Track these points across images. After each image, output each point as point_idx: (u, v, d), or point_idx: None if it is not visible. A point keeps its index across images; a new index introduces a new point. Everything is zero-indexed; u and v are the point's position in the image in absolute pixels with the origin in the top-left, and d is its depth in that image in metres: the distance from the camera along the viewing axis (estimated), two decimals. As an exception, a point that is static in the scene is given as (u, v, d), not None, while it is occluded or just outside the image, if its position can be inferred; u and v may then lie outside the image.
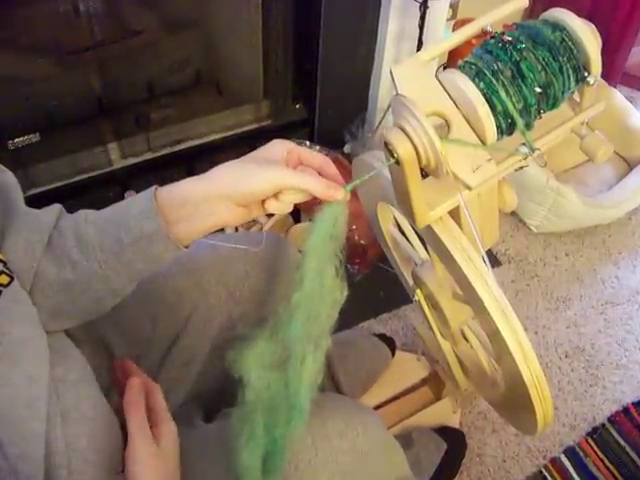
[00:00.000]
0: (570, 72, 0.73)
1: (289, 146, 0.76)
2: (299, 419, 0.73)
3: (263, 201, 0.75)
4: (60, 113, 1.65)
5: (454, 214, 0.84)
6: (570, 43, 0.72)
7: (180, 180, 0.75)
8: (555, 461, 1.48)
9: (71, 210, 0.80)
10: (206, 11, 1.77)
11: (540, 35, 0.72)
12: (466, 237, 0.83)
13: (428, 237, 0.88)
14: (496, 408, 1.16)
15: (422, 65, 0.77)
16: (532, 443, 1.51)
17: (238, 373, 0.74)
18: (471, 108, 0.72)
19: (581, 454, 1.49)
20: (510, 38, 0.73)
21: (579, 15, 0.74)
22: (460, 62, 0.76)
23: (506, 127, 0.74)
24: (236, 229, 1.70)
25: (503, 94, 0.71)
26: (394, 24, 1.77)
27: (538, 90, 0.72)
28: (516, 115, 0.72)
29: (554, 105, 0.76)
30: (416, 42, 1.75)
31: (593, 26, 0.74)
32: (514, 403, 0.96)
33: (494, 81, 0.71)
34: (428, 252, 1.07)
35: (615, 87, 2.16)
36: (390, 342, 1.55)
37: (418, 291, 1.13)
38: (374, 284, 1.77)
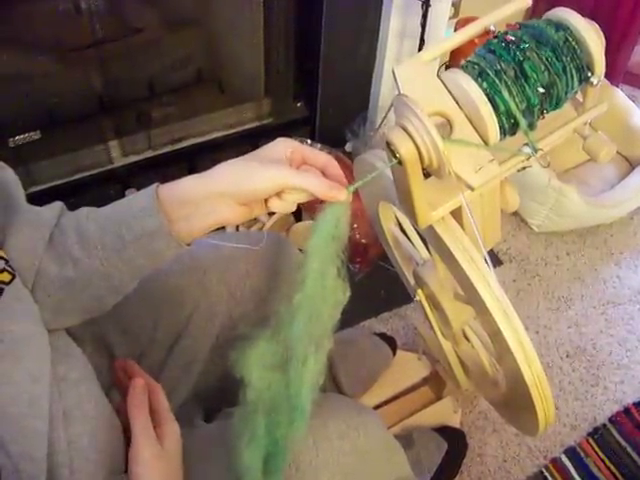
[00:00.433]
0: (573, 72, 0.73)
1: (293, 145, 0.76)
2: (301, 420, 0.72)
3: (266, 200, 0.75)
4: (61, 111, 1.65)
5: (456, 214, 0.84)
6: (574, 43, 0.72)
7: (181, 178, 0.75)
8: (556, 461, 1.48)
9: (72, 208, 0.80)
10: (208, 9, 1.77)
11: (543, 35, 0.72)
12: (468, 237, 0.82)
13: (430, 237, 0.88)
14: (497, 408, 1.16)
15: (424, 65, 0.77)
16: (533, 443, 1.51)
17: (239, 373, 0.74)
18: (474, 108, 0.72)
19: (582, 454, 1.49)
20: (513, 38, 0.73)
21: (581, 14, 0.73)
22: (463, 62, 0.75)
23: (509, 127, 0.73)
24: (237, 228, 1.70)
25: (506, 94, 0.71)
26: (396, 22, 1.77)
27: (541, 90, 0.72)
28: (519, 115, 0.72)
29: (557, 105, 0.76)
30: (418, 40, 1.75)
31: (597, 26, 0.73)
32: (515, 403, 0.96)
33: (497, 81, 0.71)
34: (429, 252, 1.07)
35: (617, 86, 2.16)
36: (391, 341, 1.55)
37: (419, 291, 1.13)
38: (375, 283, 1.76)
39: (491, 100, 0.72)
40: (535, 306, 1.78)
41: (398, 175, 0.76)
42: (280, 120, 1.95)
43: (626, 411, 1.57)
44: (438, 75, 0.76)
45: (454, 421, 1.49)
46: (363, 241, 1.72)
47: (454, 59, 1.98)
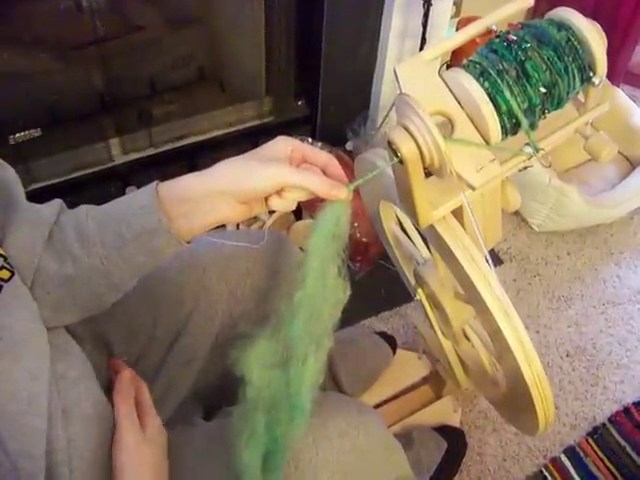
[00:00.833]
0: (575, 72, 0.73)
1: (293, 143, 0.76)
2: (300, 418, 0.72)
3: (266, 198, 0.75)
4: (62, 108, 1.65)
5: (457, 213, 0.84)
6: (575, 43, 0.72)
7: (181, 176, 0.75)
8: (555, 461, 1.48)
9: (72, 206, 0.80)
10: (209, 7, 1.77)
11: (545, 34, 0.72)
12: (469, 237, 0.82)
13: (430, 236, 0.88)
14: (497, 408, 1.16)
15: (426, 64, 0.77)
16: (532, 442, 1.51)
17: (239, 371, 0.74)
18: (475, 108, 0.72)
19: (581, 454, 1.49)
20: (515, 37, 0.72)
21: (583, 14, 0.73)
22: (464, 61, 0.75)
23: (510, 127, 0.73)
24: (237, 226, 1.70)
25: (508, 94, 0.71)
26: (397, 21, 1.76)
27: (543, 90, 0.72)
28: (520, 115, 0.72)
29: (559, 105, 0.76)
30: (419, 40, 1.74)
31: (599, 26, 0.73)
32: (515, 403, 0.96)
33: (499, 81, 0.71)
34: (430, 251, 1.07)
35: (618, 86, 2.16)
36: (391, 340, 1.55)
37: (420, 290, 1.13)
38: (375, 282, 1.77)
39: (493, 100, 0.71)
40: (535, 305, 1.78)
41: (399, 174, 0.76)
42: (281, 119, 1.95)
43: (626, 411, 1.57)
44: (439, 74, 0.75)
45: (454, 420, 1.49)
46: (364, 240, 1.72)
47: (455, 58, 1.98)
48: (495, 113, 0.71)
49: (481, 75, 0.72)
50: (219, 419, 0.96)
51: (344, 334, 1.54)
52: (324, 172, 0.75)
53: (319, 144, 1.82)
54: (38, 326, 0.75)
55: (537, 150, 0.75)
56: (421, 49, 1.76)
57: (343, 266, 0.73)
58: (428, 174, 0.76)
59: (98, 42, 1.57)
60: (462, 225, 0.84)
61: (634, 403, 1.58)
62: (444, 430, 1.43)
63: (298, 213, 1.83)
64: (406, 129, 0.67)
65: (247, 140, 1.87)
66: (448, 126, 0.74)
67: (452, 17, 1.90)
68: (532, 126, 0.75)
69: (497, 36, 0.75)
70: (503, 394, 1.03)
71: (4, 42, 1.49)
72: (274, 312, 0.74)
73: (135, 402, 0.83)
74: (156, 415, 0.84)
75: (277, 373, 0.74)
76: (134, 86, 1.74)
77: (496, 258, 1.88)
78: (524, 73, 0.71)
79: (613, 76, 2.19)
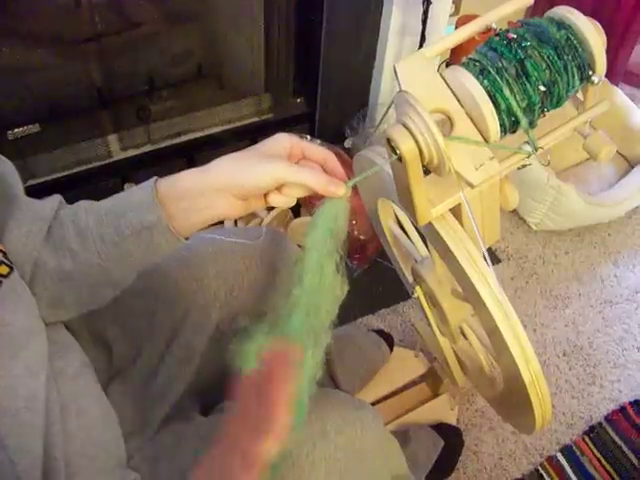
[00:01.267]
0: (575, 71, 0.73)
1: (292, 140, 0.76)
2: (299, 415, 0.72)
3: (266, 195, 0.75)
4: (60, 104, 1.65)
5: (455, 211, 0.84)
6: (575, 42, 0.72)
7: (180, 172, 0.75)
8: (552, 459, 1.48)
9: (70, 201, 0.80)
10: (208, 4, 1.77)
11: (545, 33, 0.72)
12: (467, 235, 0.82)
13: (429, 234, 0.88)
14: (494, 406, 1.16)
15: (425, 61, 0.77)
16: (529, 441, 1.51)
17: (238, 367, 0.74)
18: (475, 106, 0.72)
19: (578, 452, 1.49)
20: (515, 36, 0.72)
21: (582, 13, 0.73)
22: (464, 59, 0.75)
23: (509, 125, 0.73)
24: (235, 223, 1.70)
25: (507, 92, 0.71)
26: (397, 19, 1.77)
27: (542, 88, 0.72)
28: (520, 113, 0.72)
29: (558, 104, 0.76)
30: (418, 38, 1.74)
31: (598, 24, 0.73)
32: (512, 401, 0.96)
33: (498, 79, 0.71)
34: (428, 249, 1.07)
35: (617, 85, 2.16)
36: (388, 338, 1.55)
37: (417, 288, 1.13)
38: (373, 279, 1.77)
39: (492, 98, 0.71)
40: (533, 304, 1.78)
41: (398, 172, 0.76)
42: (280, 116, 1.95)
43: (622, 410, 1.57)
44: (439, 72, 0.75)
45: (451, 418, 1.49)
46: (361, 237, 1.72)
47: (455, 56, 1.98)
48: (494, 111, 0.72)
49: (481, 73, 0.72)
50: (216, 414, 0.96)
51: (341, 331, 1.55)
52: (323, 168, 0.75)
53: (318, 141, 1.82)
54: (37, 322, 0.75)
55: (536, 148, 0.75)
56: (420, 47, 1.76)
57: (341, 263, 0.73)
58: (427, 172, 0.76)
59: (97, 38, 1.57)
60: (460, 223, 0.84)
61: (630, 402, 1.59)
62: (441, 428, 1.43)
63: (296, 210, 1.83)
64: (405, 127, 0.67)
65: (246, 137, 1.87)
66: (447, 124, 0.74)
67: (451, 15, 1.90)
68: (531, 124, 0.75)
69: (497, 34, 0.75)
70: (500, 392, 1.03)
71: (3, 38, 1.49)
72: (272, 308, 0.74)
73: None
74: None
75: (275, 369, 0.74)
76: (133, 82, 1.74)
77: (494, 257, 1.88)
78: (523, 71, 0.71)
79: (612, 75, 2.19)
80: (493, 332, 0.83)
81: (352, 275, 1.76)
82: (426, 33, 1.73)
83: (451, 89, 0.74)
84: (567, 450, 1.50)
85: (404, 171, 0.71)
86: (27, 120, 1.59)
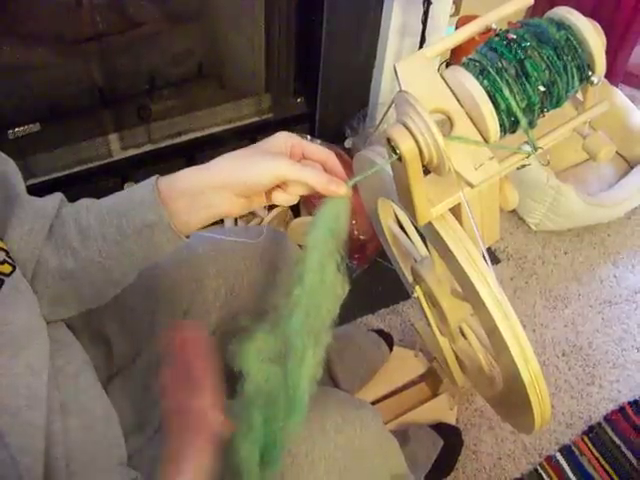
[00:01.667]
0: (574, 71, 0.73)
1: (293, 139, 0.76)
2: (298, 412, 0.72)
3: (268, 193, 0.75)
4: (61, 103, 1.64)
5: (455, 211, 0.84)
6: (575, 42, 0.72)
7: (181, 170, 0.75)
8: (551, 459, 1.48)
9: (71, 201, 0.80)
10: (209, 4, 1.77)
11: (545, 33, 0.72)
12: (467, 234, 0.83)
13: (428, 234, 0.88)
14: (493, 406, 1.16)
15: (426, 62, 0.77)
16: (528, 441, 1.51)
17: (237, 366, 0.74)
18: (474, 106, 0.72)
19: (577, 452, 1.50)
20: (515, 36, 0.73)
21: (582, 14, 0.74)
22: (464, 59, 0.76)
23: (509, 125, 0.74)
24: (235, 222, 1.70)
25: (507, 92, 0.71)
26: (397, 19, 1.77)
27: (542, 89, 0.72)
28: (519, 113, 0.72)
29: (557, 104, 0.76)
30: (419, 38, 1.75)
31: (598, 25, 0.74)
32: (511, 401, 0.96)
33: (498, 79, 0.71)
34: (428, 249, 1.07)
35: (617, 86, 2.16)
36: (388, 338, 1.56)
37: (417, 287, 1.13)
38: (373, 279, 1.77)
39: (492, 98, 0.72)
40: (532, 304, 1.78)
41: (398, 172, 0.76)
42: (280, 115, 1.95)
43: (621, 410, 1.57)
44: (439, 72, 0.76)
45: (450, 418, 1.49)
46: (361, 237, 1.72)
47: (455, 57, 1.98)
48: (494, 111, 0.72)
49: (480, 73, 0.72)
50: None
51: (341, 331, 1.55)
52: (323, 168, 0.75)
53: (318, 141, 1.82)
54: (39, 320, 0.76)
55: (535, 148, 0.75)
56: (420, 47, 1.76)
57: (342, 262, 0.73)
58: (427, 171, 0.76)
59: (97, 37, 1.57)
60: (460, 223, 0.84)
61: (630, 402, 1.59)
62: (440, 428, 1.43)
63: (296, 210, 1.83)
64: (405, 126, 0.68)
65: (246, 137, 1.87)
66: (447, 124, 0.74)
67: (451, 15, 1.91)
68: (531, 124, 0.75)
69: (497, 35, 0.75)
70: (499, 392, 1.03)
71: (4, 37, 1.49)
72: (272, 307, 0.75)
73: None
74: None
75: (275, 368, 0.74)
76: (133, 82, 1.74)
77: (493, 257, 1.88)
78: (523, 72, 0.71)
79: (612, 76, 2.20)
80: (492, 332, 0.83)
81: (352, 275, 1.76)
82: (426, 33, 1.73)
83: (451, 89, 0.74)
84: (566, 450, 1.50)
85: (404, 171, 0.71)
86: (28, 119, 1.59)
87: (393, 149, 0.69)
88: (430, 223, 0.83)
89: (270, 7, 1.70)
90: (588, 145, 0.80)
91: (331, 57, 1.81)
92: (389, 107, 0.75)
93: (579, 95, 0.81)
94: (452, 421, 1.49)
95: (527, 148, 0.76)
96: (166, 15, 1.71)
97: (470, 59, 0.75)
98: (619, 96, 2.07)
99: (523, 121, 0.73)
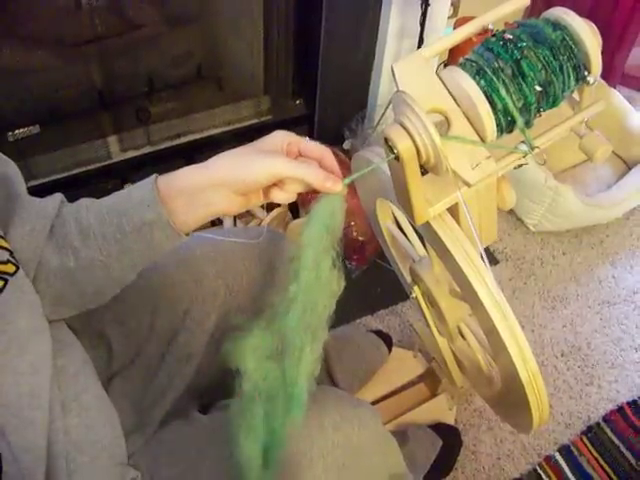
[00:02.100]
0: (570, 71, 0.73)
1: (290, 137, 0.76)
2: (297, 409, 0.73)
3: (265, 190, 0.76)
4: (60, 105, 1.65)
5: (453, 211, 0.84)
6: (571, 42, 0.73)
7: (180, 169, 0.76)
8: (550, 459, 1.49)
9: (70, 202, 0.81)
10: (208, 6, 1.77)
11: (541, 34, 0.73)
12: (464, 234, 0.83)
13: (426, 234, 0.88)
14: (492, 406, 1.16)
15: (423, 62, 0.77)
16: (527, 441, 1.51)
17: (235, 364, 0.74)
18: (471, 105, 0.72)
19: (576, 453, 1.50)
20: (511, 36, 0.73)
21: (579, 15, 0.74)
22: (461, 60, 0.76)
23: (506, 125, 0.74)
24: (234, 222, 1.70)
25: (503, 92, 0.72)
26: (395, 21, 1.77)
27: (538, 88, 0.72)
28: (516, 113, 0.73)
29: (554, 104, 0.76)
30: (417, 39, 1.75)
31: (594, 26, 0.74)
32: (510, 401, 0.96)
33: (495, 79, 0.71)
34: (426, 249, 1.07)
35: (614, 87, 2.17)
36: (387, 338, 1.56)
37: (415, 287, 1.13)
38: (371, 280, 1.77)
39: (488, 98, 0.72)
40: (531, 305, 1.79)
41: (395, 172, 0.77)
42: (279, 117, 1.96)
43: (620, 410, 1.58)
44: (436, 73, 0.76)
45: (449, 418, 1.49)
46: (360, 238, 1.72)
47: (452, 57, 1.98)
48: (491, 111, 0.72)
49: (477, 73, 0.73)
50: (215, 412, 0.96)
51: (340, 332, 1.55)
52: (320, 165, 0.75)
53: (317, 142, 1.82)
54: (41, 320, 0.76)
55: (532, 148, 0.76)
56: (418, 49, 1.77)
57: (337, 258, 0.74)
58: (424, 171, 0.77)
59: (97, 39, 1.58)
60: (458, 223, 0.84)
61: (628, 402, 1.59)
62: (439, 428, 1.43)
63: (295, 211, 1.83)
64: (403, 126, 0.68)
65: (245, 138, 1.86)
66: (444, 124, 0.74)
67: (450, 17, 1.91)
68: (527, 124, 0.75)
69: (493, 35, 0.75)
70: (498, 392, 1.04)
71: (3, 39, 1.50)
72: (269, 305, 0.75)
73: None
74: None
75: (273, 365, 0.74)
76: (132, 84, 1.74)
77: (492, 258, 1.89)
78: (520, 72, 0.72)
79: (610, 77, 2.20)
80: (491, 332, 0.84)
81: (351, 276, 1.76)
82: (424, 35, 1.74)
83: (448, 89, 0.75)
84: (565, 450, 1.50)
85: (401, 170, 0.72)
86: (27, 121, 1.59)
87: (391, 149, 0.69)
88: (428, 223, 0.83)
89: (269, 9, 1.71)
90: (584, 145, 0.81)
91: (330, 59, 1.82)
92: (387, 107, 0.75)
93: (575, 95, 0.81)
94: (451, 421, 1.49)
95: (524, 147, 0.76)
96: (165, 17, 1.71)
97: (467, 59, 0.75)
98: (617, 97, 2.07)
99: (520, 121, 0.73)
